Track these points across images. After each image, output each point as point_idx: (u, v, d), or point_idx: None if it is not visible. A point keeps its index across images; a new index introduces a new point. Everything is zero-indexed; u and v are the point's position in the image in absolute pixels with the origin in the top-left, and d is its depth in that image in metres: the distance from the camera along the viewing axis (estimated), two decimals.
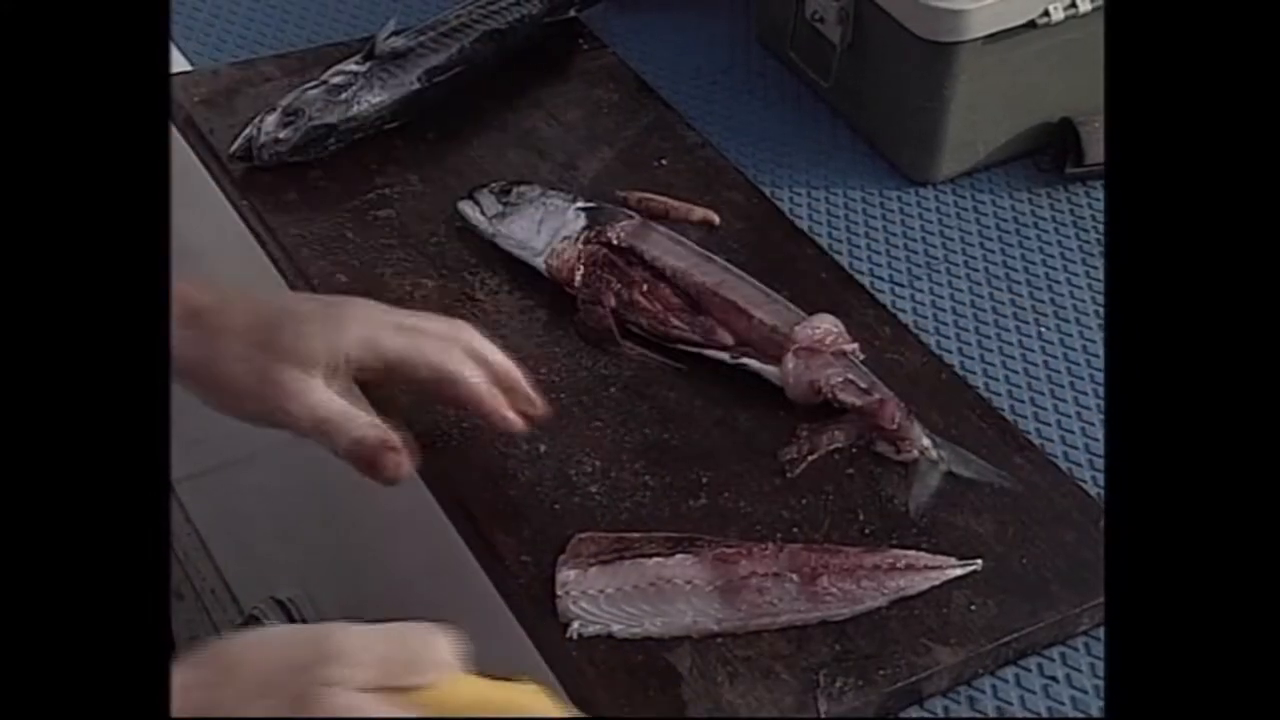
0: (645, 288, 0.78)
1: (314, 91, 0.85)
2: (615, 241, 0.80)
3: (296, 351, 0.63)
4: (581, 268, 0.79)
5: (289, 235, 0.82)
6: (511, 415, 0.67)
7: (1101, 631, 0.65)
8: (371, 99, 0.86)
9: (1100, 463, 0.72)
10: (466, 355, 0.66)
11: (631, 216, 0.82)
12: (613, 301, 0.78)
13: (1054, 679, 0.63)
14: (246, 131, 0.84)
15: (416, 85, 0.88)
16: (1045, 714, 0.62)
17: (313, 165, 0.85)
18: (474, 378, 0.66)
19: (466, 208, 0.82)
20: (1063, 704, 0.62)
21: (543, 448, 0.71)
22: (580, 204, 0.82)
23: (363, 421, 0.64)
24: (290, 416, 0.63)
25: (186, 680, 0.51)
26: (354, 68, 0.87)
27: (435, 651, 0.52)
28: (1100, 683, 0.63)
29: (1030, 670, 0.63)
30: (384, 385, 0.67)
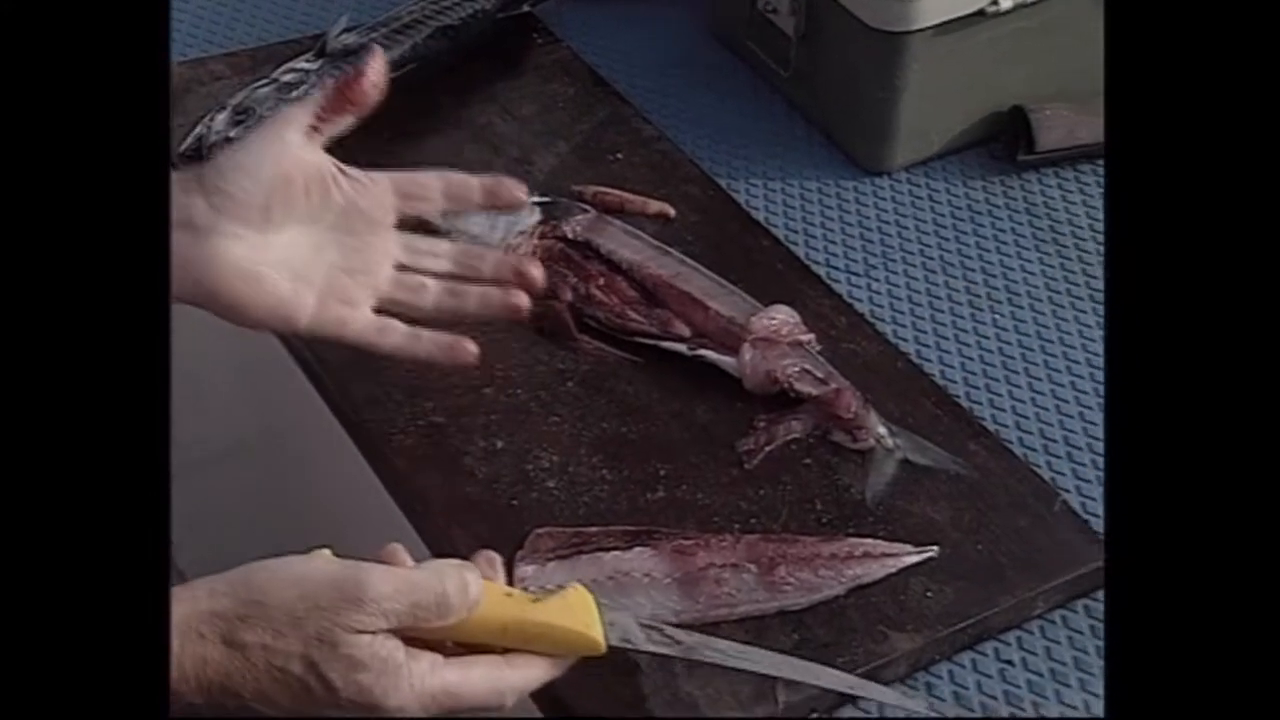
0: (601, 281, 0.78)
1: (265, 89, 0.84)
2: (571, 236, 0.80)
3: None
4: (537, 262, 0.79)
5: None
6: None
7: (1056, 614, 0.65)
8: None
9: (1054, 447, 0.73)
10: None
11: (587, 210, 0.82)
12: (569, 296, 0.77)
13: (1010, 663, 0.64)
14: (197, 130, 0.83)
15: None
16: (1002, 699, 0.62)
17: None
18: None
19: None
20: (1018, 687, 0.63)
21: (500, 443, 0.71)
22: (535, 198, 0.82)
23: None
24: None
25: (214, 607, 0.52)
26: (305, 65, 0.86)
27: (466, 594, 0.54)
28: (1055, 665, 0.63)
29: (986, 655, 0.64)
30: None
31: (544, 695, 0.62)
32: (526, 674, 0.56)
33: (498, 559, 0.59)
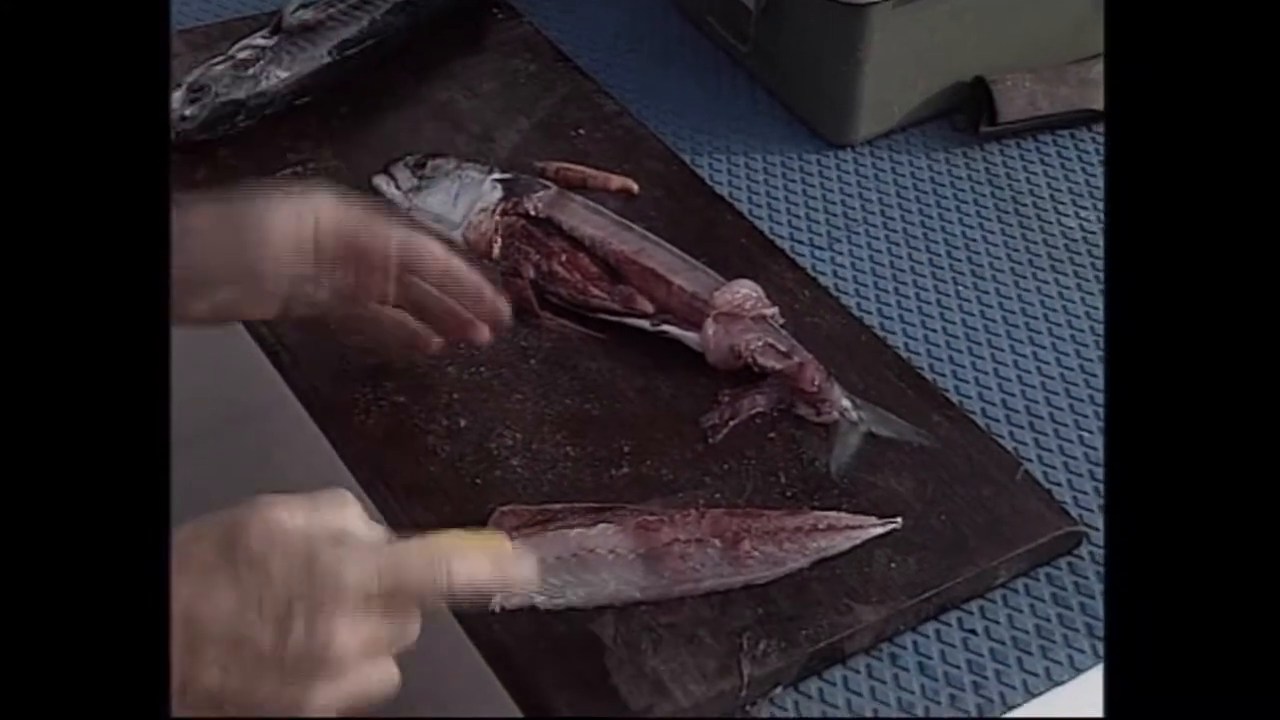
0: (564, 258, 0.77)
1: (221, 67, 0.83)
2: (533, 212, 0.79)
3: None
4: (499, 240, 0.78)
5: None
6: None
7: (1019, 583, 0.66)
8: (281, 74, 0.85)
9: (1016, 417, 0.73)
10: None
11: (549, 187, 0.81)
12: (531, 273, 0.77)
13: (973, 632, 0.64)
14: None
15: (327, 59, 0.87)
16: (965, 668, 0.63)
17: (222, 143, 0.84)
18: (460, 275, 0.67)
19: (381, 182, 0.81)
20: (982, 656, 0.63)
21: (463, 422, 0.71)
22: (496, 175, 0.81)
23: None
24: None
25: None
26: (261, 42, 0.85)
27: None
28: (1018, 634, 0.64)
29: (950, 625, 0.64)
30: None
31: (508, 675, 0.61)
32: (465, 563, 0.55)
33: None
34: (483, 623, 0.62)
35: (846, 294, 0.80)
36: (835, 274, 0.81)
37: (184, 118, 0.82)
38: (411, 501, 0.67)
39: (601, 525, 0.65)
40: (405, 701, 0.80)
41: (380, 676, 0.52)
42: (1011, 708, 0.61)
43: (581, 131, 0.88)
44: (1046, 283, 0.81)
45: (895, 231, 0.84)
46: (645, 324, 0.75)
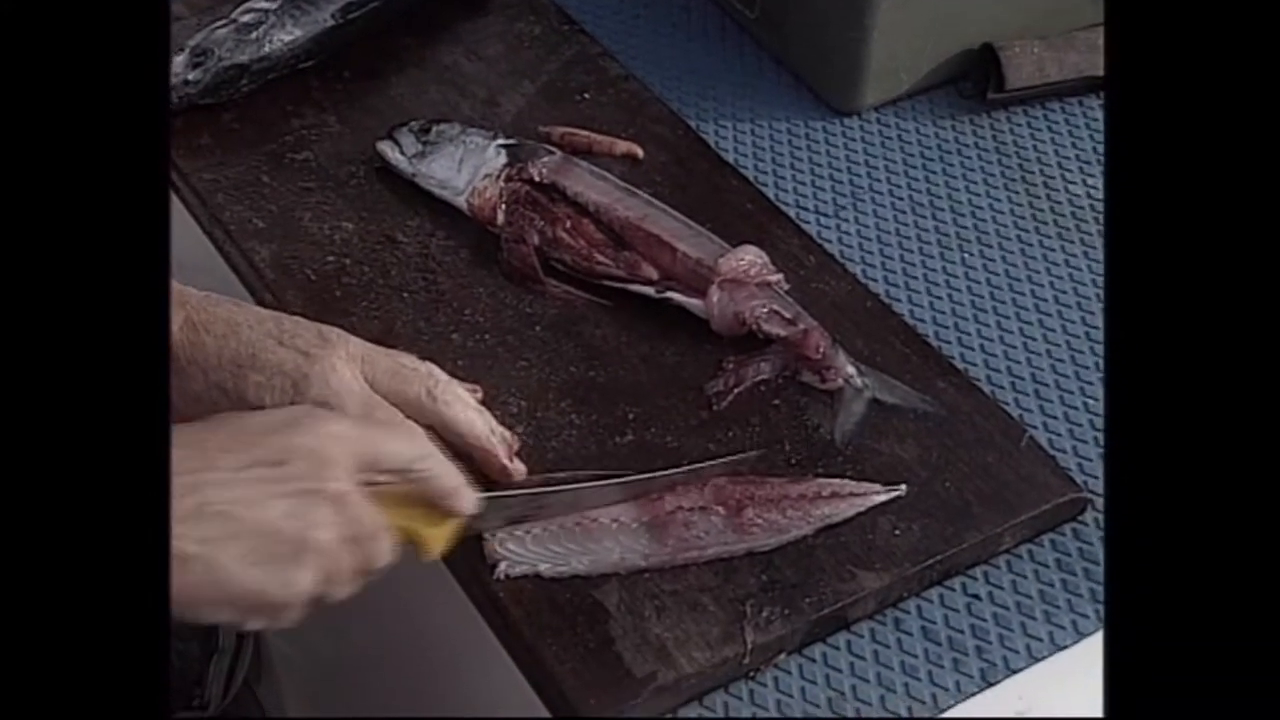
0: (569, 224, 0.77)
1: (223, 30, 0.83)
2: (537, 178, 0.79)
3: (257, 405, 0.61)
4: (504, 206, 0.78)
5: (202, 180, 0.80)
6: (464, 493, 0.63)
7: (1023, 549, 0.66)
8: (284, 37, 0.84)
9: (1021, 384, 0.73)
10: (435, 425, 0.63)
11: (553, 152, 0.81)
12: (536, 239, 0.77)
13: (976, 597, 0.64)
14: None
15: (331, 22, 0.86)
16: (969, 633, 0.63)
17: (225, 107, 0.83)
18: (428, 475, 0.60)
19: (386, 148, 0.81)
20: (985, 621, 0.63)
21: None
22: (501, 141, 0.81)
23: None
24: None
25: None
26: (265, 5, 0.85)
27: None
28: (1021, 600, 0.64)
29: (954, 590, 0.64)
30: None
31: (513, 642, 0.62)
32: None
33: None
34: (487, 590, 0.63)
35: (852, 260, 0.80)
36: (841, 240, 0.81)
37: (187, 82, 0.81)
38: None
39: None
40: (409, 666, 0.81)
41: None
42: (1015, 671, 0.61)
43: (587, 96, 0.88)
44: (1053, 250, 0.81)
45: (901, 198, 0.84)
46: (650, 290, 0.75)
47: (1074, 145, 0.87)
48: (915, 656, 0.62)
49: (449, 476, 0.59)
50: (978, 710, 0.60)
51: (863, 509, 0.65)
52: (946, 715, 0.60)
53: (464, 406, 0.65)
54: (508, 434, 0.66)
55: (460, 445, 0.64)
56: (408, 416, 0.63)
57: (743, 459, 0.67)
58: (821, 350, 0.71)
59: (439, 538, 0.60)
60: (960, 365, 0.73)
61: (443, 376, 0.65)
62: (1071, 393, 0.72)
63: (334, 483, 0.55)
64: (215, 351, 0.61)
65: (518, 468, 0.65)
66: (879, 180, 0.85)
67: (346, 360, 0.62)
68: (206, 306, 0.63)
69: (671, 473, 0.66)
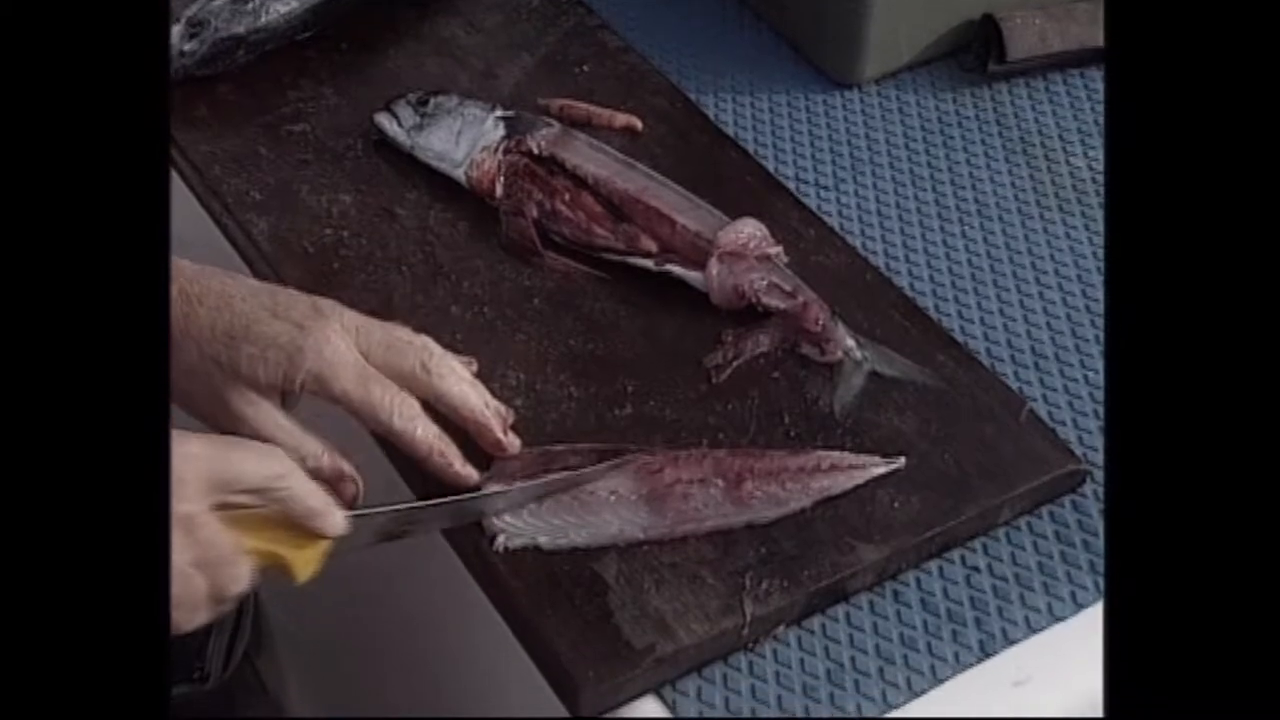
0: (567, 197, 0.77)
1: (220, 1, 0.82)
2: (536, 150, 0.79)
3: (251, 377, 0.61)
4: (502, 178, 0.78)
5: (199, 152, 0.80)
6: (461, 470, 0.64)
7: (1022, 522, 0.66)
8: (281, 8, 0.83)
9: (1021, 356, 0.73)
10: (430, 397, 0.63)
11: (552, 125, 0.80)
12: (534, 212, 0.77)
13: (975, 569, 0.64)
14: None
15: None
16: (968, 604, 0.63)
17: (221, 79, 0.83)
18: (422, 440, 0.62)
19: (383, 120, 0.81)
20: (984, 592, 0.63)
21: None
22: (499, 113, 0.80)
23: (313, 449, 0.62)
24: (245, 429, 0.62)
25: None
26: None
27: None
28: (1020, 571, 0.64)
29: (954, 562, 0.64)
30: None
31: (512, 614, 0.62)
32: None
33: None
34: (486, 562, 0.63)
35: (852, 233, 0.79)
36: (840, 213, 0.81)
37: (183, 53, 0.81)
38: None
39: (604, 466, 0.65)
40: (408, 639, 0.81)
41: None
42: (1013, 642, 0.61)
43: (585, 68, 0.87)
44: (1053, 222, 0.80)
45: (901, 171, 0.84)
46: (649, 263, 0.75)
47: (1075, 117, 0.87)
48: (914, 628, 0.62)
49: (311, 497, 0.57)
50: (976, 681, 0.60)
51: (862, 481, 0.65)
52: (945, 686, 0.60)
53: (458, 380, 0.64)
54: (502, 408, 0.66)
55: (455, 419, 0.64)
56: (402, 389, 0.63)
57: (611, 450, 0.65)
58: (821, 323, 0.71)
59: (305, 561, 0.58)
60: (960, 338, 0.73)
61: (437, 349, 0.64)
62: (1071, 365, 0.72)
63: (183, 504, 0.52)
64: (209, 324, 0.61)
65: (512, 441, 0.65)
66: (879, 153, 0.85)
67: (341, 332, 0.62)
68: (200, 279, 0.62)
69: (564, 476, 0.64)
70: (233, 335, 0.61)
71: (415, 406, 0.63)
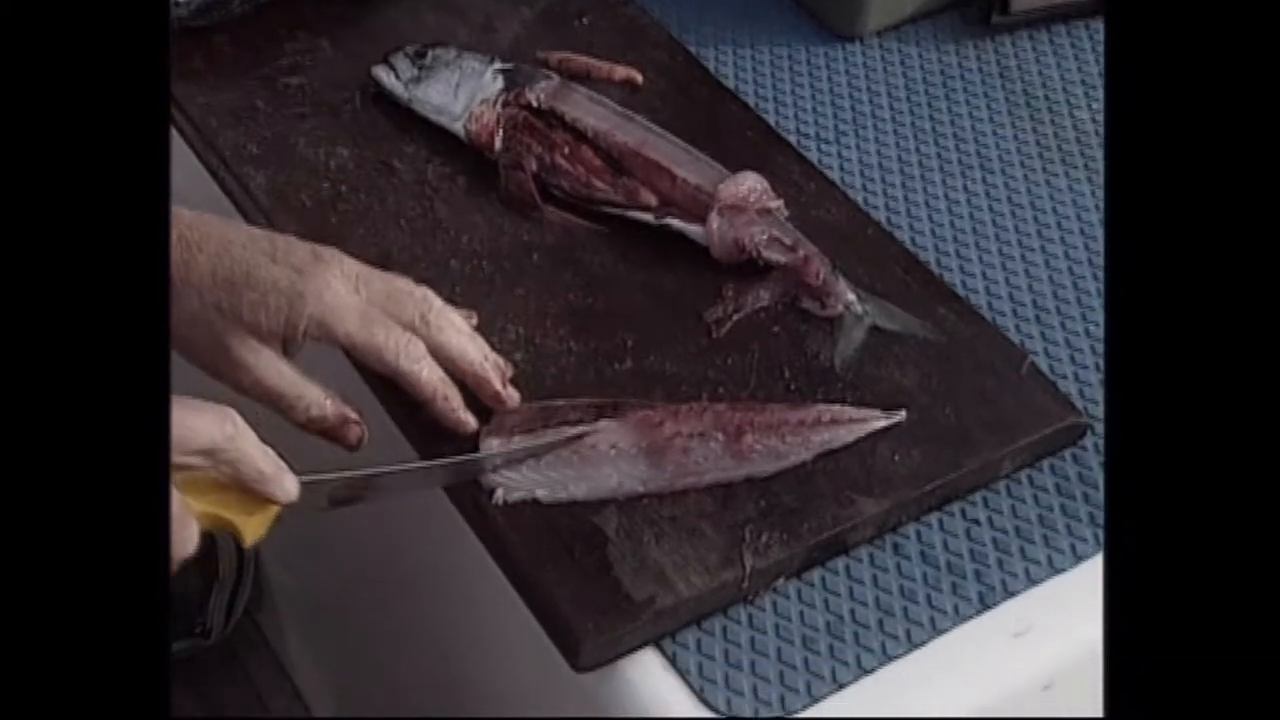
0: (566, 150, 0.76)
1: None
2: (535, 103, 0.78)
3: (253, 324, 0.61)
4: (501, 131, 0.77)
5: (195, 105, 0.79)
6: (464, 416, 0.63)
7: (1023, 475, 0.66)
8: None
9: (1023, 310, 0.73)
10: (428, 349, 0.63)
11: (551, 78, 0.80)
12: (533, 165, 0.76)
13: (976, 521, 0.64)
14: None
15: None
16: (968, 556, 0.63)
17: (218, 30, 0.82)
18: (428, 382, 0.62)
19: (381, 73, 0.80)
20: (984, 545, 0.63)
21: None
22: (498, 66, 0.80)
23: (315, 396, 0.62)
24: (240, 385, 0.62)
25: None
26: None
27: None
28: (1021, 524, 0.64)
29: (954, 515, 0.64)
30: None
31: (511, 567, 0.62)
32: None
33: None
34: (485, 515, 0.63)
35: (853, 187, 0.79)
36: (842, 167, 0.80)
37: (178, 4, 0.80)
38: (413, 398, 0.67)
39: (604, 421, 0.65)
40: (408, 593, 0.82)
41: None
42: (1013, 594, 0.61)
43: (585, 21, 0.86)
44: (1056, 175, 0.80)
45: (904, 124, 0.83)
46: (649, 217, 0.74)
47: (1080, 69, 0.86)
48: (913, 581, 0.62)
49: (262, 460, 0.56)
50: (975, 633, 0.60)
51: (862, 435, 0.65)
52: (944, 638, 0.60)
53: (457, 332, 0.64)
54: (501, 361, 0.66)
55: (454, 371, 0.64)
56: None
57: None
58: (822, 277, 0.70)
59: (254, 526, 0.57)
60: (961, 292, 0.73)
61: (437, 301, 0.64)
62: (1073, 319, 0.72)
63: None
64: (209, 270, 0.61)
65: (511, 395, 0.65)
66: (881, 106, 0.84)
67: (341, 278, 0.62)
68: (198, 225, 0.62)
69: (481, 455, 0.63)
70: (233, 281, 0.61)
71: (421, 348, 0.63)
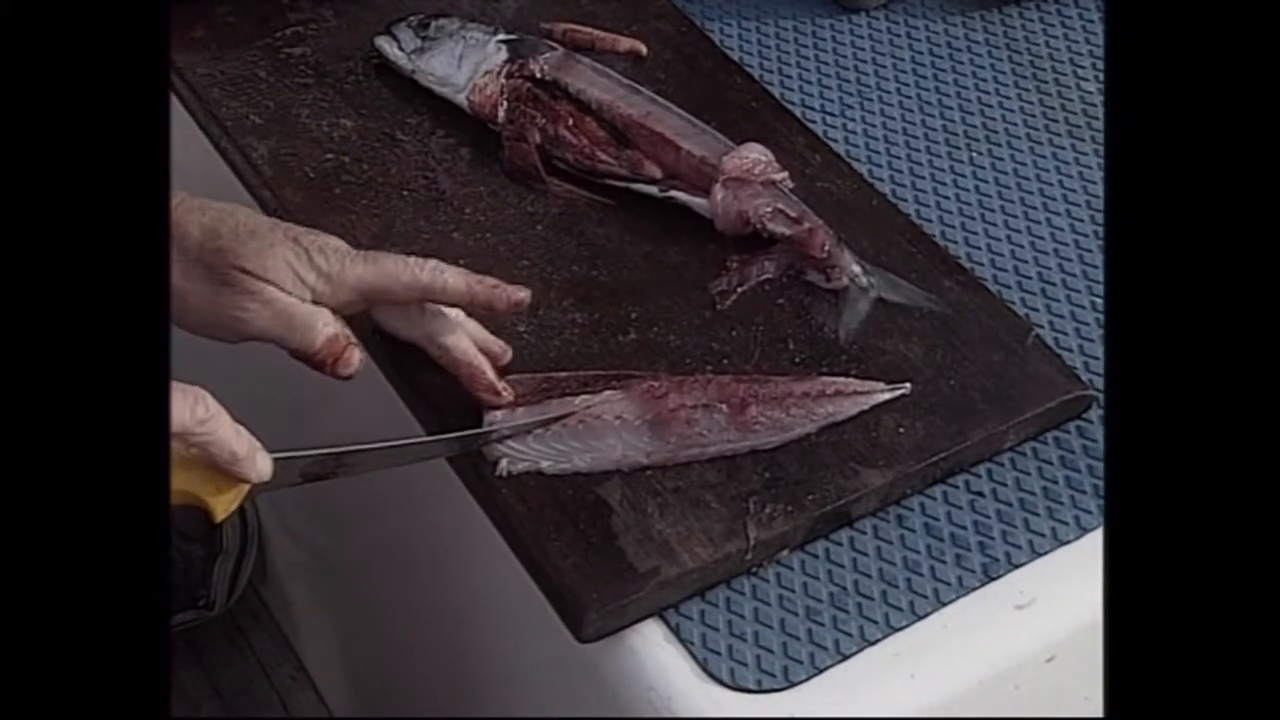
0: (571, 122, 0.76)
1: None
2: (539, 75, 0.77)
3: (259, 264, 0.60)
4: (505, 103, 0.77)
5: (197, 75, 0.78)
6: (494, 381, 0.64)
7: (1027, 447, 0.66)
8: None
9: (1028, 283, 0.72)
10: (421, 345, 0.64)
11: (555, 48, 0.79)
12: (537, 137, 0.76)
13: (980, 494, 0.64)
14: None
15: None
16: (972, 528, 0.63)
17: (220, 0, 0.82)
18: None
19: (384, 43, 0.80)
20: (988, 517, 0.63)
21: None
22: (502, 36, 0.79)
23: (327, 314, 0.62)
24: (247, 314, 0.61)
25: None
26: None
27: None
28: (1025, 496, 0.64)
29: (958, 487, 0.64)
30: None
31: (516, 538, 0.62)
32: None
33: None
34: (489, 487, 0.63)
35: (858, 159, 0.78)
36: (847, 139, 0.80)
37: None
38: (420, 368, 0.67)
39: (608, 392, 0.65)
40: (412, 565, 0.82)
41: None
42: (1017, 566, 0.61)
43: None
44: (1062, 148, 0.79)
45: (909, 96, 0.82)
46: (653, 189, 0.74)
47: (1086, 40, 0.86)
48: (918, 552, 0.62)
49: (235, 442, 0.55)
50: (979, 604, 0.61)
51: (867, 407, 0.65)
52: (948, 609, 0.60)
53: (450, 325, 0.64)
54: (500, 344, 0.65)
55: (447, 362, 0.64)
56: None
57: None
58: (826, 249, 0.70)
59: (224, 504, 0.56)
60: (966, 264, 0.73)
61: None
62: (1078, 291, 0.72)
63: None
64: (199, 223, 0.61)
65: (504, 388, 0.64)
66: (886, 78, 0.84)
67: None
68: (192, 199, 0.62)
69: (457, 435, 0.63)
70: (231, 233, 0.61)
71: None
